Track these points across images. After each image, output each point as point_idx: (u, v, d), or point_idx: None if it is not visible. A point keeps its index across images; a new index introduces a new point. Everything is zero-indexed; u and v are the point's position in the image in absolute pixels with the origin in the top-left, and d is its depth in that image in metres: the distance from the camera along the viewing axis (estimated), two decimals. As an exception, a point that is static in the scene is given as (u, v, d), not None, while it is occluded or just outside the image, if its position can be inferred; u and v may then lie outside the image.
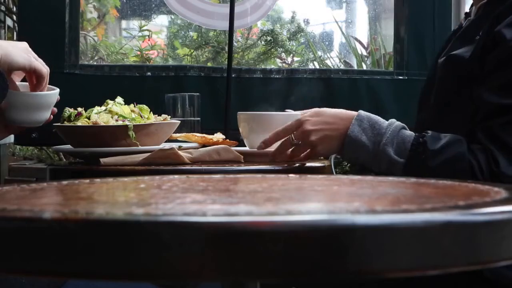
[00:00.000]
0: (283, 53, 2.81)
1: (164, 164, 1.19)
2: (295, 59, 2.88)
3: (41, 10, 2.14)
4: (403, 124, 1.10)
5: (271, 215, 0.42)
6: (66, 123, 1.32)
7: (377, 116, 1.13)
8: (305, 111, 1.20)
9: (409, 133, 1.08)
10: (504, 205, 0.48)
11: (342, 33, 2.94)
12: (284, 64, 2.85)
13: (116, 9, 3.08)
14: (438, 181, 0.69)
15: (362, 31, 3.10)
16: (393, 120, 1.12)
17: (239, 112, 1.40)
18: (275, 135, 1.19)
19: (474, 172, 0.99)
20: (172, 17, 3.08)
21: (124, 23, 3.51)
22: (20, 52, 1.14)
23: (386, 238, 0.40)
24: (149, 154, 1.20)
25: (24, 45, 1.17)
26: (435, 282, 1.00)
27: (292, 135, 1.17)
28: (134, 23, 3.13)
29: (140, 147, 1.25)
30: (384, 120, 1.12)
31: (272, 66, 2.77)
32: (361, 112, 1.13)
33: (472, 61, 1.09)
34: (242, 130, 1.37)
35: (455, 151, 1.02)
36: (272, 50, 2.78)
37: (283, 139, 1.19)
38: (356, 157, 1.13)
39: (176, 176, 0.77)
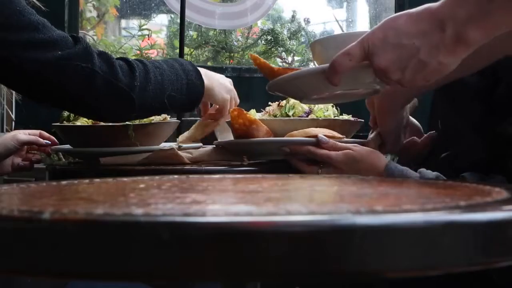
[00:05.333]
0: (283, 53, 2.82)
1: (164, 164, 1.19)
2: (296, 58, 2.88)
3: (40, 9, 2.14)
4: (436, 173, 1.08)
5: (271, 215, 0.42)
6: (65, 123, 1.32)
7: (406, 168, 1.11)
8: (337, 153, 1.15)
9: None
10: (506, 205, 0.47)
11: (343, 32, 2.94)
12: (284, 64, 2.85)
13: (115, 8, 3.08)
14: (439, 181, 0.69)
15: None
16: (423, 170, 1.09)
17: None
18: (305, 151, 1.16)
19: None
20: (172, 16, 3.08)
21: (123, 22, 3.51)
22: (222, 90, 1.28)
23: (387, 238, 0.40)
24: (149, 154, 1.20)
25: (228, 82, 1.31)
26: (442, 285, 1.00)
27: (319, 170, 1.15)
28: (134, 22, 3.13)
29: (140, 147, 1.25)
30: (413, 171, 1.09)
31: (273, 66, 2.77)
32: (390, 164, 1.10)
33: (476, 86, 1.08)
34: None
35: None
36: (273, 49, 2.78)
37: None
38: None
39: (176, 176, 0.77)
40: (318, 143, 1.15)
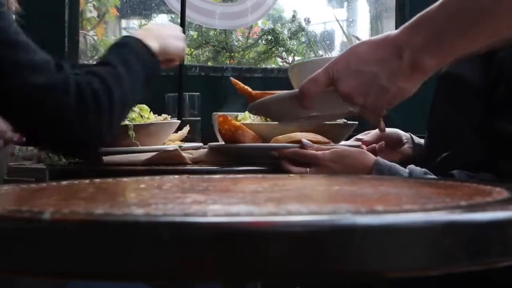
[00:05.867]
0: (284, 53, 2.81)
1: (164, 164, 1.19)
2: (296, 58, 2.88)
3: (41, 10, 2.14)
4: (425, 169, 1.09)
5: (271, 215, 0.42)
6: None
7: (394, 164, 1.12)
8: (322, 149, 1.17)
9: (432, 177, 1.07)
10: (506, 205, 0.47)
11: (343, 32, 2.95)
12: (285, 64, 2.85)
13: (116, 8, 3.08)
14: (440, 181, 0.69)
15: (363, 30, 3.11)
16: (412, 166, 1.11)
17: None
18: (292, 153, 1.17)
19: None
20: (172, 16, 3.08)
21: (124, 22, 3.51)
22: (175, 41, 1.24)
23: (387, 238, 0.40)
24: (153, 154, 1.20)
25: (179, 30, 1.27)
26: (443, 286, 1.00)
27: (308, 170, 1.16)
28: (134, 22, 3.13)
29: (140, 147, 1.25)
30: (402, 167, 1.10)
31: (273, 66, 2.77)
32: (379, 160, 1.12)
33: (477, 85, 1.08)
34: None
35: None
36: (273, 49, 2.78)
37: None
38: None
39: (176, 176, 0.77)
40: (303, 147, 1.16)
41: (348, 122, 1.32)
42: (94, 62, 1.25)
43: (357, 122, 1.33)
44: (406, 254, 0.40)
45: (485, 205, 0.48)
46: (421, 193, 0.61)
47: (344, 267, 0.39)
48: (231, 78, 1.29)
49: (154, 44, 1.17)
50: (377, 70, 0.80)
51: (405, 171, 1.09)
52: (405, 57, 0.77)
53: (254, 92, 1.06)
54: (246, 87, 1.13)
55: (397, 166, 1.11)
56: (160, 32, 1.22)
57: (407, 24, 0.78)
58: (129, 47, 1.14)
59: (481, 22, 0.72)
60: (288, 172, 1.16)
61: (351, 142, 1.37)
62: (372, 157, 1.13)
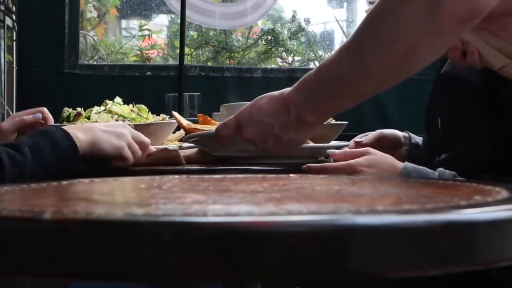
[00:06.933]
0: (283, 53, 2.81)
1: (164, 164, 1.19)
2: (296, 58, 2.88)
3: (41, 10, 2.14)
4: (454, 172, 1.07)
5: (272, 215, 0.42)
6: (65, 123, 1.32)
7: (424, 168, 1.09)
8: (355, 151, 1.15)
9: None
10: (506, 204, 0.47)
11: (343, 32, 2.94)
12: (284, 64, 2.85)
13: (116, 8, 3.08)
14: (439, 181, 0.69)
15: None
16: (441, 169, 1.08)
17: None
18: (324, 168, 1.13)
19: None
20: (172, 16, 3.08)
21: (124, 23, 3.51)
22: (111, 138, 1.12)
23: (387, 238, 0.40)
24: (153, 151, 1.20)
25: (120, 128, 1.14)
26: (443, 286, 1.00)
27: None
28: (134, 23, 3.13)
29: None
30: (432, 171, 1.08)
31: (273, 66, 2.77)
32: (407, 165, 1.10)
33: (477, 86, 1.07)
34: None
35: None
36: (273, 49, 2.77)
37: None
38: None
39: (176, 176, 0.77)
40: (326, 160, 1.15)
41: (337, 122, 1.32)
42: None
43: (346, 122, 1.32)
44: (406, 254, 0.40)
45: (485, 205, 0.48)
46: (421, 193, 0.61)
47: (344, 267, 0.39)
48: (173, 111, 1.37)
49: (80, 136, 1.09)
50: (273, 122, 0.91)
51: (434, 174, 1.07)
52: (292, 112, 0.89)
53: (187, 127, 1.26)
54: (181, 121, 1.30)
55: (426, 168, 1.08)
56: (92, 125, 1.15)
57: (295, 84, 0.89)
58: (48, 134, 1.05)
59: (342, 87, 0.83)
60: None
61: (350, 142, 1.36)
62: (400, 162, 1.11)
